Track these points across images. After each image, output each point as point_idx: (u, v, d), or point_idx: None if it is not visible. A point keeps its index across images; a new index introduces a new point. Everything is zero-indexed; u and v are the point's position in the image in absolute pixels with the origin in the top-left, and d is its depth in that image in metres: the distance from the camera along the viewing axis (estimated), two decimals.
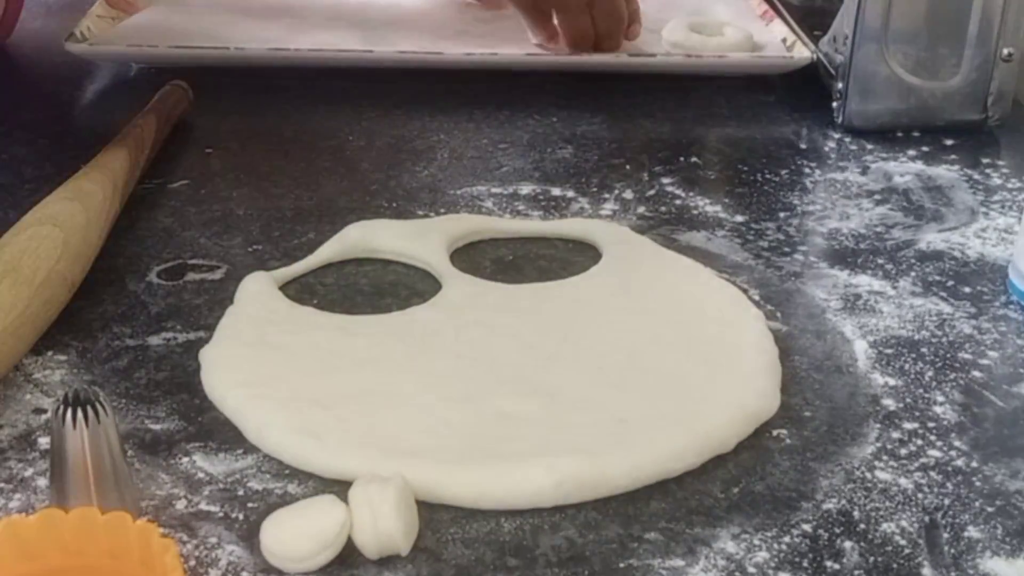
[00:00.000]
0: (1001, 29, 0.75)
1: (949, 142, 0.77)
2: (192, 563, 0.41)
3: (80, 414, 0.40)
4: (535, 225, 0.65)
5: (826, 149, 0.77)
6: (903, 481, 0.46)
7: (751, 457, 0.47)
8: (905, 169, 0.74)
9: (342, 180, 0.71)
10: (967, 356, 0.54)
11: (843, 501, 0.45)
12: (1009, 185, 0.72)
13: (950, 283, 0.60)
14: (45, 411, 0.49)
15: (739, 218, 0.67)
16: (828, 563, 0.42)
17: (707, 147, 0.77)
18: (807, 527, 0.44)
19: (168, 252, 0.62)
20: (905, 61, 0.76)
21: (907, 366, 0.53)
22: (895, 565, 0.42)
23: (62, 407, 0.40)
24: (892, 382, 0.52)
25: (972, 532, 0.44)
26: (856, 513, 0.44)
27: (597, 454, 0.45)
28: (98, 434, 0.40)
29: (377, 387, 0.50)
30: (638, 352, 0.52)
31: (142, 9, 0.93)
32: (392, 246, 0.61)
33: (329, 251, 0.61)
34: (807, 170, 0.74)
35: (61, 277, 0.54)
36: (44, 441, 0.47)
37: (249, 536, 0.42)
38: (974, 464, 0.47)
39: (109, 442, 0.41)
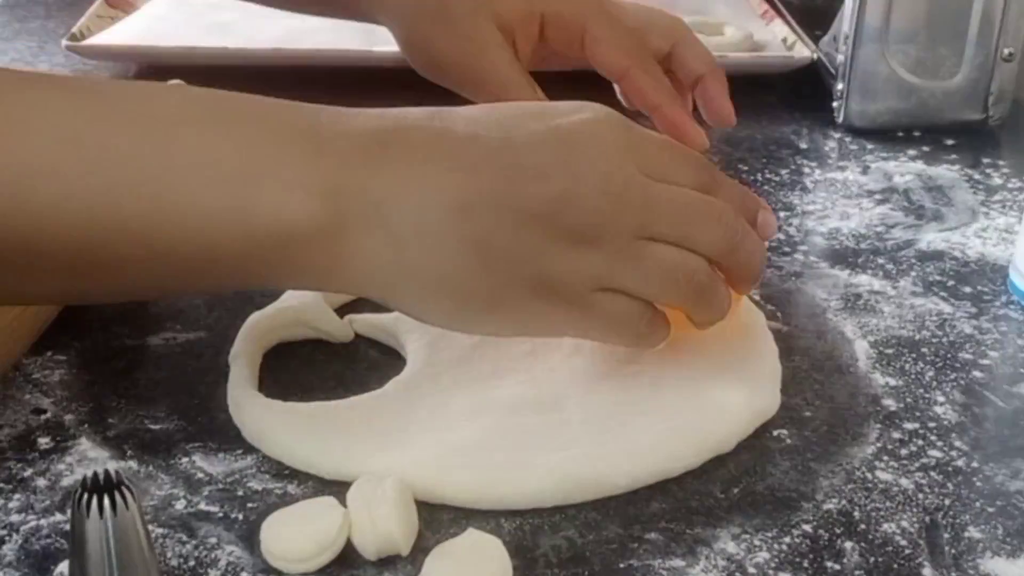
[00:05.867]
0: (1001, 29, 0.75)
1: (949, 142, 0.78)
2: (192, 563, 0.41)
3: (106, 500, 0.35)
4: None
5: (826, 149, 0.77)
6: (904, 481, 0.46)
7: (751, 457, 0.47)
8: (905, 169, 0.74)
9: None
10: (967, 356, 0.54)
11: (843, 501, 0.45)
12: (1009, 185, 0.72)
13: (950, 283, 0.60)
14: (45, 411, 0.49)
15: None
16: (828, 563, 0.42)
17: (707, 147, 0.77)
18: (807, 527, 0.44)
19: None
20: (905, 61, 0.76)
21: (907, 366, 0.53)
22: (895, 565, 0.42)
23: (83, 493, 0.35)
24: (892, 382, 0.52)
25: (972, 532, 0.43)
26: (856, 513, 0.44)
27: (597, 454, 0.45)
28: (124, 523, 0.36)
29: (377, 387, 0.50)
30: (638, 352, 0.52)
31: (140, 6, 0.93)
32: None
33: None
34: (807, 170, 0.74)
35: None
36: (44, 441, 0.47)
37: (249, 536, 0.42)
38: (974, 464, 0.47)
39: (136, 530, 0.36)
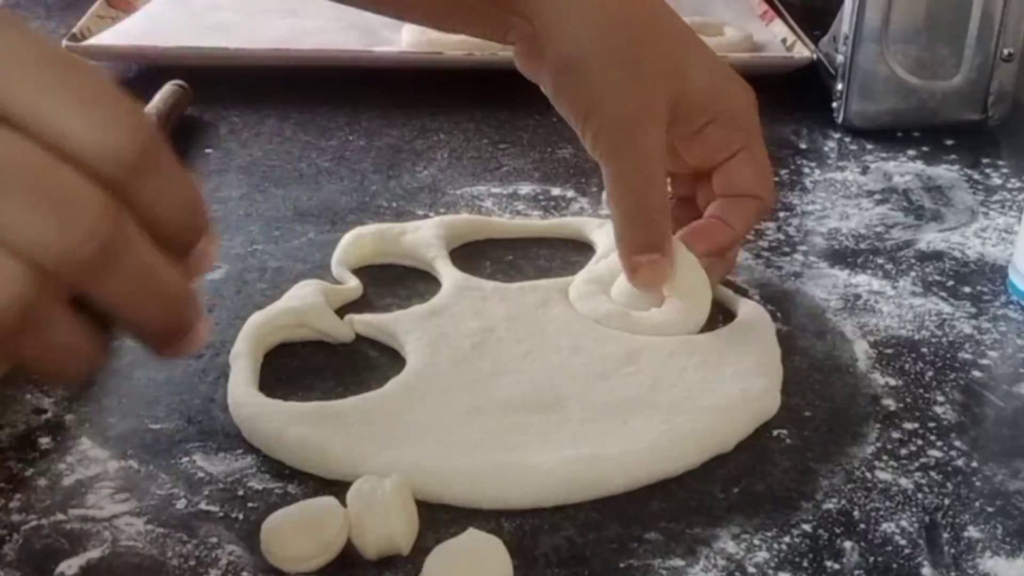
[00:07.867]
0: (1001, 29, 0.75)
1: (949, 142, 0.78)
2: (192, 563, 0.41)
3: None
4: (535, 225, 0.65)
5: (826, 149, 0.77)
6: (903, 481, 0.46)
7: (751, 457, 0.47)
8: (905, 169, 0.74)
9: (342, 180, 0.71)
10: (967, 356, 0.54)
11: (843, 501, 0.45)
12: (1009, 185, 0.72)
13: (950, 283, 0.60)
14: (45, 411, 0.49)
15: None
16: (828, 563, 0.42)
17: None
18: (807, 527, 0.44)
19: None
20: (905, 61, 0.76)
21: (907, 366, 0.53)
22: (895, 565, 0.42)
23: None
24: (892, 382, 0.52)
25: (972, 532, 0.44)
26: (856, 513, 0.44)
27: (597, 454, 0.45)
28: None
29: (377, 387, 0.50)
30: (637, 352, 0.52)
31: (140, 6, 0.93)
32: (391, 247, 0.61)
33: (341, 265, 0.60)
34: (807, 170, 0.74)
35: None
36: (44, 441, 0.47)
37: (249, 536, 0.42)
38: (974, 464, 0.47)
39: None
